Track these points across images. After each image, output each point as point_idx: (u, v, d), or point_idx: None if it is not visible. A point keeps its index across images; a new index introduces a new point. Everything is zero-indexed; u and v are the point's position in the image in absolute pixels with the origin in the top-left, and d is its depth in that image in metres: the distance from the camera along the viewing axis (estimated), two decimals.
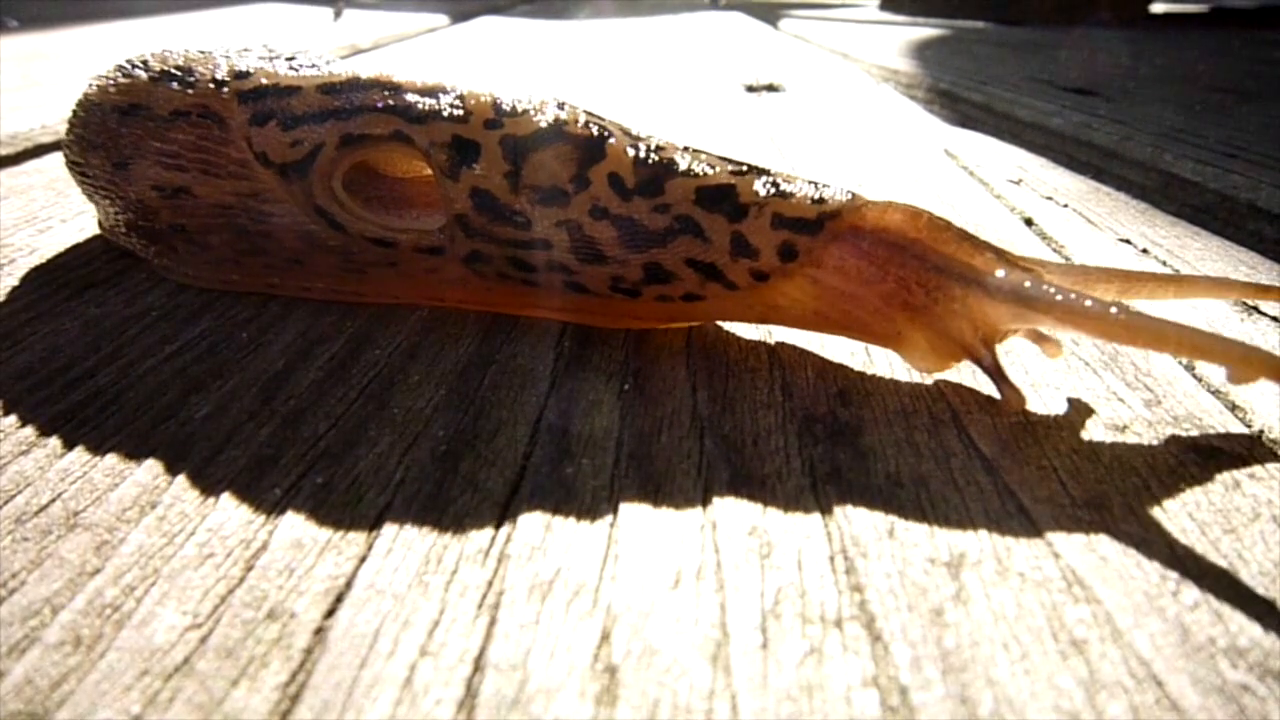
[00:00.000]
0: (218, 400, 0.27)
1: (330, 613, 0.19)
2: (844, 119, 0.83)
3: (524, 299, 0.32)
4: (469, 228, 0.30)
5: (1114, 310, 0.24)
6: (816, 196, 0.29)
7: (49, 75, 0.86)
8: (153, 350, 0.30)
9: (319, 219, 0.32)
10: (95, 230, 0.41)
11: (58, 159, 0.56)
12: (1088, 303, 0.24)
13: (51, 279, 0.37)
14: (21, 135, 0.60)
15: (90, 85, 0.36)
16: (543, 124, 0.30)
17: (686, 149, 0.30)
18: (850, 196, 0.29)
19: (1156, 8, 2.58)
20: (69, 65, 0.93)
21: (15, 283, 0.36)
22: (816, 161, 0.63)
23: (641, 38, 1.72)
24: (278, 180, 0.32)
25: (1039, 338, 0.29)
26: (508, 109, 0.30)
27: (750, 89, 0.99)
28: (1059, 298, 0.25)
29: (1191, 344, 0.24)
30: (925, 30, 1.81)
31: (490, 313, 0.33)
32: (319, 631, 0.18)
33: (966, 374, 0.29)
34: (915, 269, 0.27)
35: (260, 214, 0.33)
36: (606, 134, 0.30)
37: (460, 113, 0.30)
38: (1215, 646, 0.18)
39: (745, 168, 0.30)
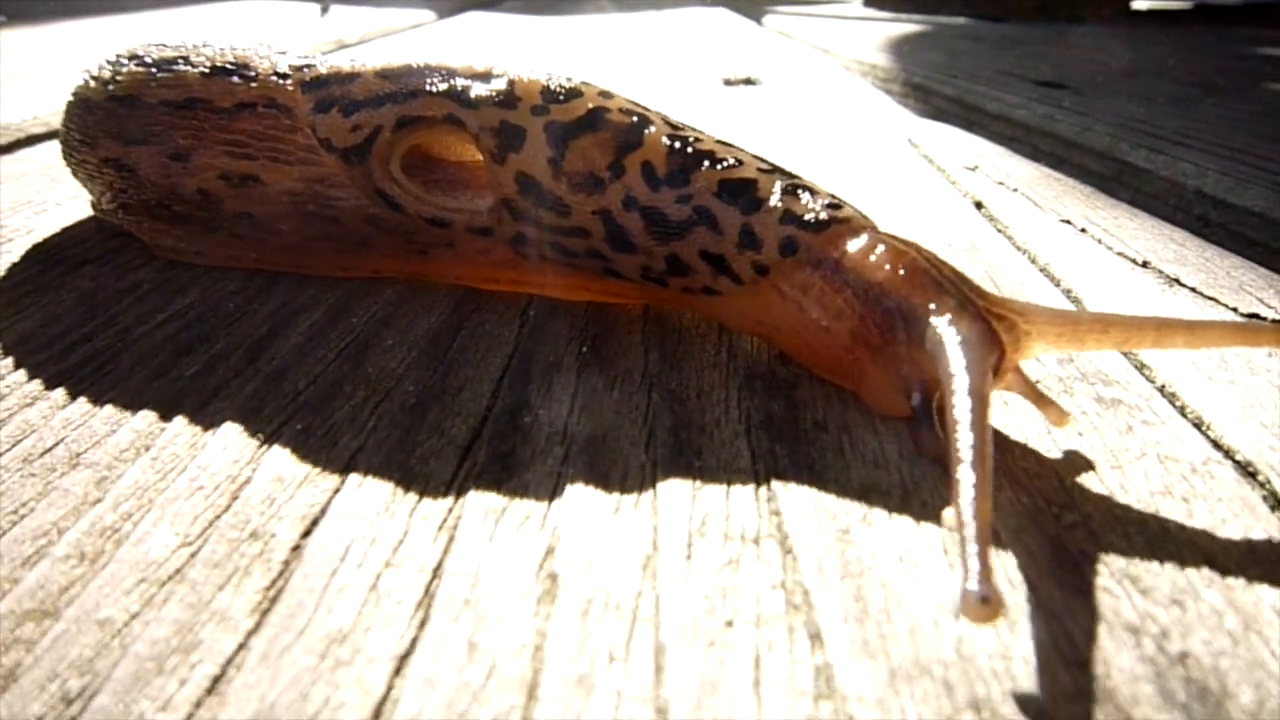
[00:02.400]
0: (206, 361, 0.30)
1: (306, 534, 0.21)
2: (815, 111, 0.85)
3: (570, 281, 0.33)
4: (515, 211, 0.32)
5: (965, 420, 0.21)
6: (830, 203, 0.29)
7: (37, 69, 0.88)
8: (145, 319, 0.33)
9: (379, 201, 0.33)
10: (89, 212, 0.43)
11: (50, 147, 0.58)
12: (958, 397, 0.22)
13: (48, 256, 0.39)
14: (14, 126, 0.62)
15: (107, 83, 0.37)
16: (586, 111, 0.31)
17: (722, 143, 0.31)
18: (863, 217, 0.29)
19: (1139, 4, 2.61)
20: (57, 59, 0.95)
21: (15, 259, 0.38)
22: (784, 151, 0.65)
23: (626, 33, 1.74)
24: (341, 165, 0.33)
25: (1042, 402, 0.26)
26: (555, 95, 0.31)
27: (728, 83, 1.02)
28: (952, 373, 0.23)
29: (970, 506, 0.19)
30: (906, 26, 1.84)
31: (461, 286, 0.36)
32: (296, 548, 0.21)
33: None
34: (875, 308, 0.27)
35: (327, 199, 0.34)
36: (647, 123, 0.31)
37: (509, 98, 0.31)
38: (1085, 557, 0.21)
39: (772, 167, 0.30)
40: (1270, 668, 0.18)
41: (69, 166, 0.40)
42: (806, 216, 0.29)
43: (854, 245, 0.28)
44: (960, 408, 0.21)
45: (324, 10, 1.64)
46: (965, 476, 0.20)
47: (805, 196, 0.29)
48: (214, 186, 0.35)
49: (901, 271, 0.27)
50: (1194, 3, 2.85)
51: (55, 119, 0.62)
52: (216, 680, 0.17)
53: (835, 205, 0.29)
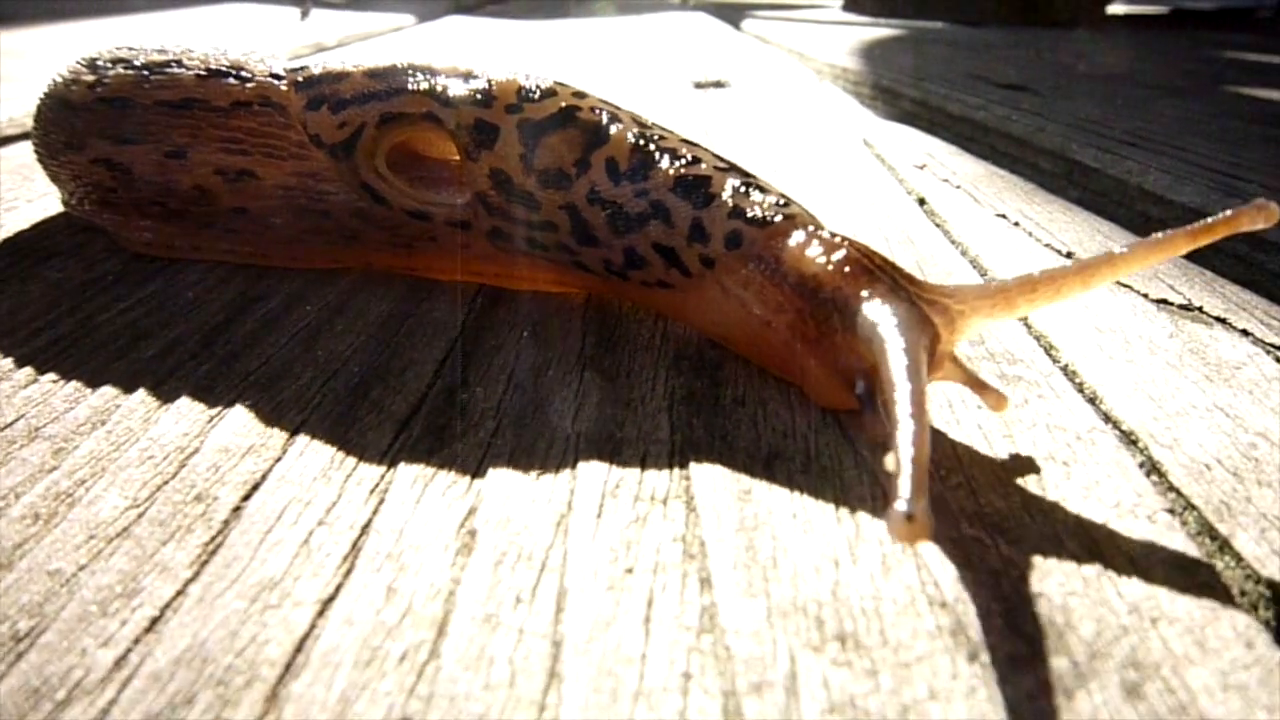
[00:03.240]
0: (163, 345, 0.31)
1: (247, 497, 0.23)
2: (779, 113, 0.87)
3: (547, 275, 0.35)
4: (489, 206, 0.33)
5: (900, 375, 0.22)
6: (778, 201, 0.30)
7: (12, 72, 0.89)
8: (107, 307, 0.34)
9: (364, 194, 0.35)
10: (58, 209, 0.45)
11: (22, 147, 0.59)
12: (895, 374, 0.22)
13: (17, 250, 0.40)
14: None
15: (92, 86, 0.38)
16: (558, 109, 0.32)
17: (686, 141, 0.32)
18: (809, 215, 0.30)
19: (1116, 9, 2.65)
20: (33, 62, 0.96)
21: None
22: (743, 151, 0.67)
23: (604, 37, 1.76)
24: (329, 160, 0.35)
25: (979, 387, 0.26)
26: (529, 94, 0.33)
27: (698, 85, 1.04)
28: (886, 346, 0.24)
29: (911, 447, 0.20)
30: (882, 31, 1.87)
31: (413, 276, 0.38)
32: (236, 510, 0.22)
33: None
34: (810, 300, 0.27)
35: (318, 193, 0.36)
36: (615, 121, 0.32)
37: (485, 97, 0.33)
38: (963, 513, 0.23)
39: (729, 166, 0.32)
40: (1114, 605, 0.20)
41: (49, 170, 0.41)
42: (752, 213, 0.30)
43: (793, 240, 0.29)
44: (895, 367, 0.22)
45: (304, 14, 1.66)
46: (903, 417, 0.21)
47: (755, 194, 0.30)
48: (210, 182, 0.37)
49: (834, 263, 0.27)
50: (1170, 8, 2.90)
51: (28, 121, 0.63)
52: (155, 621, 0.19)
53: (783, 203, 0.30)
